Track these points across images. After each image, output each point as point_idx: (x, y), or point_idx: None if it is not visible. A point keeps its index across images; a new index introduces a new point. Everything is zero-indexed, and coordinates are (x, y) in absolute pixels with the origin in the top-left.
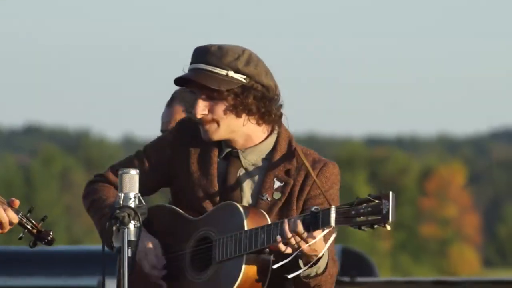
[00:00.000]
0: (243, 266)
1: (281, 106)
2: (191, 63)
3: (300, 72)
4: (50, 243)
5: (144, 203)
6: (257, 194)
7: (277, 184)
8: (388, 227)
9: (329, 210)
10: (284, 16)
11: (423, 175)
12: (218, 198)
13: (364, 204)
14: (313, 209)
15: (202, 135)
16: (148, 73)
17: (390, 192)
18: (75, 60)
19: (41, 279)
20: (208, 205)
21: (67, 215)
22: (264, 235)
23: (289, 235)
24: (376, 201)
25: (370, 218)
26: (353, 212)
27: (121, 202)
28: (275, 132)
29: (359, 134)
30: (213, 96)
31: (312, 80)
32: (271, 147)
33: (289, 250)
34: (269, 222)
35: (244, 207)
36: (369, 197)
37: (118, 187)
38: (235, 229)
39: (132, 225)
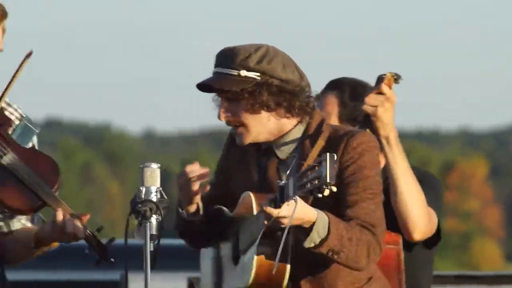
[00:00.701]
0: (255, 255)
1: (309, 96)
2: (214, 67)
3: (322, 66)
4: (112, 263)
5: (166, 197)
6: (294, 183)
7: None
8: (334, 188)
9: (288, 183)
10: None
11: (444, 169)
12: (259, 188)
13: (310, 171)
14: (281, 183)
15: (236, 141)
16: (169, 66)
17: (328, 154)
18: (96, 53)
19: (64, 273)
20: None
21: (88, 209)
22: (260, 219)
23: (268, 217)
24: (316, 166)
25: (315, 183)
26: (304, 180)
27: (143, 196)
28: (305, 121)
29: None
30: (231, 98)
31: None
32: (301, 135)
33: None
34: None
35: (255, 194)
36: (313, 163)
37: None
38: (251, 216)
39: (154, 219)
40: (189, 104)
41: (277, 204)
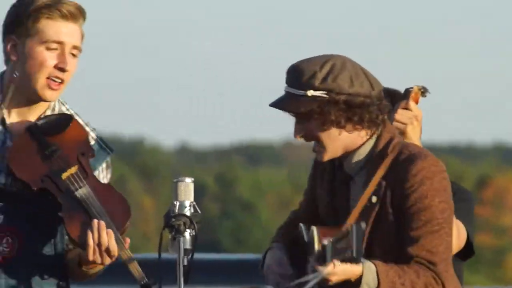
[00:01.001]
0: None
1: (381, 108)
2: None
3: None
4: None
5: (199, 212)
6: (358, 200)
7: (374, 188)
8: (360, 264)
9: (329, 244)
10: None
11: (479, 184)
12: (332, 211)
13: (344, 238)
14: (324, 242)
15: (316, 158)
16: (202, 80)
17: (354, 226)
18: (128, 67)
19: (97, 286)
20: (324, 216)
21: None
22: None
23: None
24: (348, 236)
25: (347, 253)
26: (338, 246)
27: (177, 211)
28: (376, 134)
29: None
30: (301, 117)
31: None
32: (369, 151)
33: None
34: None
35: (321, 231)
36: (345, 232)
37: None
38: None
39: (187, 234)
40: (223, 118)
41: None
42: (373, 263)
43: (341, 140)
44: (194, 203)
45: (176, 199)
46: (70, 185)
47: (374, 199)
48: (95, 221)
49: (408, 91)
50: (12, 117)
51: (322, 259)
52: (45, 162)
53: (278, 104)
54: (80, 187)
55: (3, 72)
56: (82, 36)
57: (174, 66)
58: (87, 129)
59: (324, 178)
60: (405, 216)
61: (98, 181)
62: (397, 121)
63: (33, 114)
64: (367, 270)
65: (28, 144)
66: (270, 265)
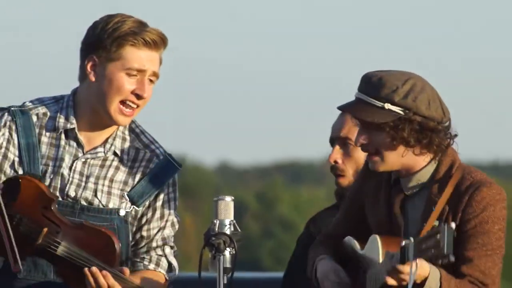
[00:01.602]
0: None
1: (449, 135)
2: (357, 90)
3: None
4: None
5: (239, 230)
6: (418, 223)
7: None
8: (452, 258)
9: (408, 244)
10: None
11: None
12: (385, 227)
13: (430, 238)
14: (403, 243)
15: (370, 166)
16: (244, 98)
17: (446, 226)
18: (169, 86)
19: None
20: (376, 230)
21: None
22: (382, 270)
23: (389, 273)
24: (437, 234)
25: (433, 251)
26: (423, 246)
27: (217, 229)
28: (437, 159)
29: None
30: (370, 127)
31: None
32: (431, 174)
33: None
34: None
35: (382, 239)
36: (433, 231)
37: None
38: (376, 262)
39: (227, 252)
40: (264, 136)
41: (399, 262)
42: (438, 269)
43: (402, 160)
44: (234, 221)
45: (216, 218)
46: (48, 249)
47: (436, 222)
48: (86, 270)
49: None
50: (82, 138)
51: (400, 259)
52: (16, 235)
53: (351, 109)
54: (58, 246)
55: (76, 89)
56: (161, 62)
57: (214, 84)
58: (153, 147)
59: (379, 193)
60: (463, 238)
61: (71, 226)
62: None
63: (101, 137)
64: (432, 274)
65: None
66: (326, 274)
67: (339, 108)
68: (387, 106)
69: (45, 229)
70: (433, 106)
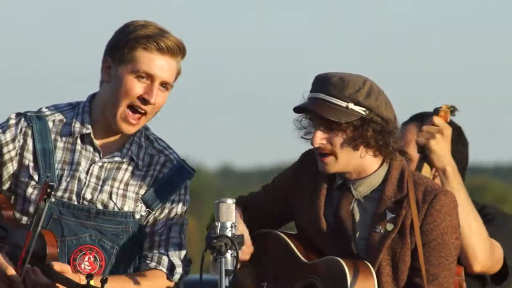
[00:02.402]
0: None
1: (397, 137)
2: (311, 91)
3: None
4: None
5: (241, 233)
6: (370, 226)
7: (389, 215)
8: None
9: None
10: None
11: None
12: (329, 232)
13: None
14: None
15: (319, 167)
16: (246, 101)
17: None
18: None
19: None
20: (320, 240)
21: None
22: None
23: None
24: None
25: None
26: None
27: (218, 232)
28: (387, 162)
29: None
30: (331, 127)
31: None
32: (382, 178)
33: None
34: (374, 280)
35: (349, 265)
36: None
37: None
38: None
39: (229, 255)
40: (267, 139)
41: None
42: None
43: (357, 161)
44: (236, 224)
45: (218, 220)
46: None
47: (389, 226)
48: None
49: (436, 110)
50: (98, 143)
51: None
52: None
53: (314, 108)
54: (1, 249)
55: (94, 95)
56: (178, 73)
57: (216, 88)
58: (166, 152)
59: (318, 192)
60: (425, 250)
61: (18, 228)
62: (421, 137)
63: (117, 142)
64: None
65: None
66: None
67: (297, 108)
68: (351, 106)
69: None
70: (389, 108)
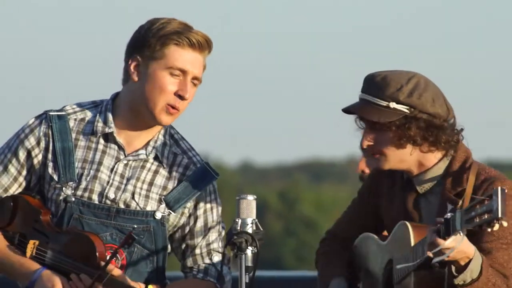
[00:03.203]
0: (412, 285)
1: (456, 131)
2: (361, 91)
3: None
4: None
5: (261, 229)
6: (433, 219)
7: (449, 207)
8: (505, 223)
9: (454, 216)
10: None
11: None
12: (398, 221)
13: (479, 205)
14: (446, 216)
15: (373, 164)
16: (266, 97)
17: (499, 188)
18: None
19: None
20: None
21: None
22: (420, 249)
23: (433, 247)
24: (486, 200)
25: (484, 217)
26: (473, 213)
27: (239, 228)
28: (449, 155)
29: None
30: (375, 127)
31: None
32: (443, 171)
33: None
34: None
35: (412, 224)
36: (483, 197)
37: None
38: (407, 247)
39: (249, 251)
40: (286, 136)
41: (442, 236)
42: (480, 254)
43: (409, 159)
44: (256, 220)
45: (238, 217)
46: (37, 259)
47: (449, 215)
48: (72, 276)
49: None
50: (121, 142)
51: (445, 231)
52: (20, 253)
53: (356, 110)
54: (45, 256)
55: (117, 94)
56: (204, 68)
57: (237, 83)
58: (190, 154)
59: (394, 190)
60: (476, 231)
61: (59, 234)
62: None
63: (141, 140)
64: (476, 257)
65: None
66: None
67: (344, 110)
68: (392, 105)
69: (32, 241)
70: (437, 103)
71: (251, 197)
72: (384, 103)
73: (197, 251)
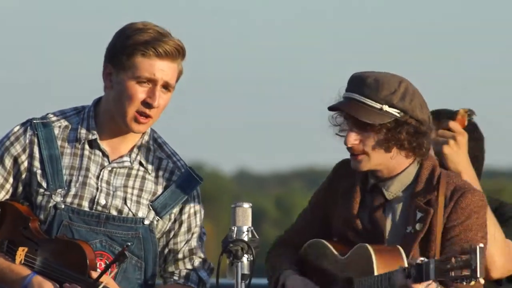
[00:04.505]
0: None
1: (430, 138)
2: (346, 90)
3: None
4: None
5: (257, 237)
6: (400, 226)
7: (418, 215)
8: (482, 280)
9: (428, 263)
10: None
11: None
12: (363, 232)
13: (456, 258)
14: (418, 260)
15: (352, 165)
16: (262, 105)
17: (478, 246)
18: (185, 92)
19: None
20: (356, 240)
21: None
22: (385, 283)
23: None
24: (465, 256)
25: (461, 273)
26: (448, 266)
27: (234, 236)
28: (418, 160)
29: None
30: (365, 128)
31: None
32: (413, 177)
33: None
34: (404, 261)
35: (375, 249)
36: (459, 254)
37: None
38: (369, 273)
39: (245, 259)
40: (283, 143)
41: (411, 276)
42: None
43: (389, 162)
44: (252, 228)
45: (234, 224)
46: (27, 266)
47: (419, 226)
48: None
49: (453, 114)
50: (105, 148)
51: (417, 278)
52: (9, 259)
53: (347, 109)
54: (34, 262)
55: (99, 99)
56: (180, 73)
57: (232, 91)
58: (174, 158)
59: (352, 195)
60: (444, 244)
61: (48, 241)
62: (436, 142)
63: (125, 145)
64: None
65: None
66: None
67: (331, 107)
68: (385, 108)
69: (21, 248)
70: (424, 110)
71: (246, 205)
72: (378, 105)
73: (180, 255)
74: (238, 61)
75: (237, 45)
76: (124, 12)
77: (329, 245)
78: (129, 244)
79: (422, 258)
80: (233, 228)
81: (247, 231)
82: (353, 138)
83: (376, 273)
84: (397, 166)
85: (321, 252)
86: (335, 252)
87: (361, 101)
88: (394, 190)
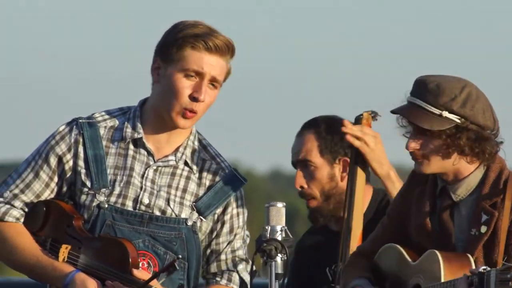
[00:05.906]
0: None
1: (498, 143)
2: (410, 94)
3: None
4: None
5: (291, 236)
6: (466, 229)
7: (483, 217)
8: None
9: (490, 272)
10: None
11: None
12: (433, 235)
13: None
14: (480, 269)
15: (415, 168)
16: (297, 104)
17: None
18: (221, 91)
19: None
20: (427, 243)
21: None
22: None
23: None
24: None
25: None
26: (508, 276)
27: (268, 235)
28: (485, 164)
29: None
30: (425, 133)
31: None
32: (479, 180)
33: None
34: (473, 267)
35: (444, 256)
36: None
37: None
38: (435, 279)
39: (279, 258)
40: None
41: (473, 284)
42: None
43: (451, 167)
44: (286, 227)
45: (268, 224)
46: (72, 263)
47: (483, 229)
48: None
49: (358, 118)
50: (151, 147)
51: (479, 285)
52: (52, 257)
53: (406, 114)
54: (77, 260)
55: (145, 99)
56: (228, 72)
57: (267, 90)
58: (218, 160)
59: (424, 199)
60: (509, 249)
61: (91, 239)
62: (351, 135)
63: (170, 145)
64: None
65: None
66: None
67: (393, 111)
68: (445, 114)
69: (64, 246)
70: (487, 115)
71: (280, 204)
72: (437, 111)
73: (222, 257)
74: (276, 61)
75: (276, 45)
76: (144, 13)
77: (402, 250)
78: (179, 257)
79: (484, 267)
80: (266, 227)
81: (281, 230)
82: (414, 143)
83: (443, 280)
84: (462, 171)
85: (394, 257)
86: (407, 257)
87: (422, 107)
88: (461, 192)
